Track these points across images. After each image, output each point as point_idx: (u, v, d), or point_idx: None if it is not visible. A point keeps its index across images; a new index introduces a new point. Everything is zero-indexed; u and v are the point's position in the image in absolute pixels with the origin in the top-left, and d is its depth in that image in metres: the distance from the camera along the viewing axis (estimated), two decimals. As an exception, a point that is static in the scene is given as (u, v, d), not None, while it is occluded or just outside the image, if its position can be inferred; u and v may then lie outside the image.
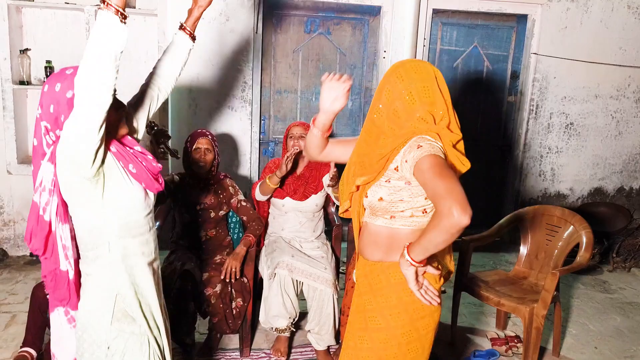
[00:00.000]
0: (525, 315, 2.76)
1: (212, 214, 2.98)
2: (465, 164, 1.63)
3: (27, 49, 3.94)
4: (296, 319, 2.96)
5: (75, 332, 1.74)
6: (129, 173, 1.64)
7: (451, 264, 1.79)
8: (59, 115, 1.56)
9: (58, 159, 1.54)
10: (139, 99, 1.92)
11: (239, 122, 4.28)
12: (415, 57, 4.23)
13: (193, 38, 2.01)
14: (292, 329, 2.96)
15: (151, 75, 1.98)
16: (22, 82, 3.93)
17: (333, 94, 1.70)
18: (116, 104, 1.59)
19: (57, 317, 1.79)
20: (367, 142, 1.68)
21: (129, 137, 1.73)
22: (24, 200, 4.13)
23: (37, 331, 2.67)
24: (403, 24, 4.20)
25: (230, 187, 3.04)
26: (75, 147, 1.48)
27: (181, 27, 1.99)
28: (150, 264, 1.76)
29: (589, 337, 3.37)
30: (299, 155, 3.04)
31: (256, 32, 4.17)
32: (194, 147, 2.88)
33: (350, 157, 1.77)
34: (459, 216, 1.37)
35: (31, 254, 4.13)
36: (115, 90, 1.50)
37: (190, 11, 1.99)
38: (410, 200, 1.61)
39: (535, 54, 4.61)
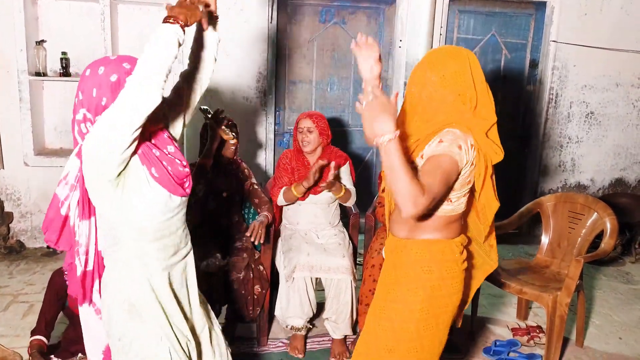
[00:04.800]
0: (549, 303, 2.70)
1: (237, 199, 2.99)
2: (498, 153, 1.69)
3: (42, 41, 3.95)
4: (312, 317, 2.93)
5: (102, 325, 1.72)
6: (151, 177, 1.57)
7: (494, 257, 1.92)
8: (100, 99, 1.51)
9: (84, 155, 1.48)
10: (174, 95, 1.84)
11: (253, 113, 4.25)
12: (432, 47, 4.17)
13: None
14: (309, 326, 2.94)
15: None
16: (38, 74, 3.94)
17: (368, 64, 1.74)
18: None
19: (85, 309, 1.74)
20: (408, 113, 1.75)
21: (164, 135, 1.66)
22: (41, 192, 4.14)
23: (50, 319, 2.66)
24: (419, 13, 4.15)
25: (245, 170, 3.06)
26: (106, 147, 1.43)
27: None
28: (166, 269, 1.67)
29: (613, 327, 3.29)
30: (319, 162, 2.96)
31: (271, 22, 4.13)
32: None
33: None
34: (413, 208, 1.47)
35: (48, 246, 4.14)
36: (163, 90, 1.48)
37: None
38: None
39: (554, 41, 4.52)
